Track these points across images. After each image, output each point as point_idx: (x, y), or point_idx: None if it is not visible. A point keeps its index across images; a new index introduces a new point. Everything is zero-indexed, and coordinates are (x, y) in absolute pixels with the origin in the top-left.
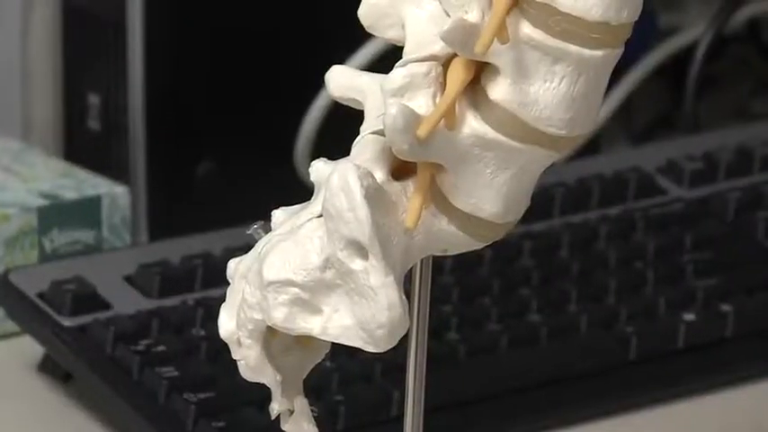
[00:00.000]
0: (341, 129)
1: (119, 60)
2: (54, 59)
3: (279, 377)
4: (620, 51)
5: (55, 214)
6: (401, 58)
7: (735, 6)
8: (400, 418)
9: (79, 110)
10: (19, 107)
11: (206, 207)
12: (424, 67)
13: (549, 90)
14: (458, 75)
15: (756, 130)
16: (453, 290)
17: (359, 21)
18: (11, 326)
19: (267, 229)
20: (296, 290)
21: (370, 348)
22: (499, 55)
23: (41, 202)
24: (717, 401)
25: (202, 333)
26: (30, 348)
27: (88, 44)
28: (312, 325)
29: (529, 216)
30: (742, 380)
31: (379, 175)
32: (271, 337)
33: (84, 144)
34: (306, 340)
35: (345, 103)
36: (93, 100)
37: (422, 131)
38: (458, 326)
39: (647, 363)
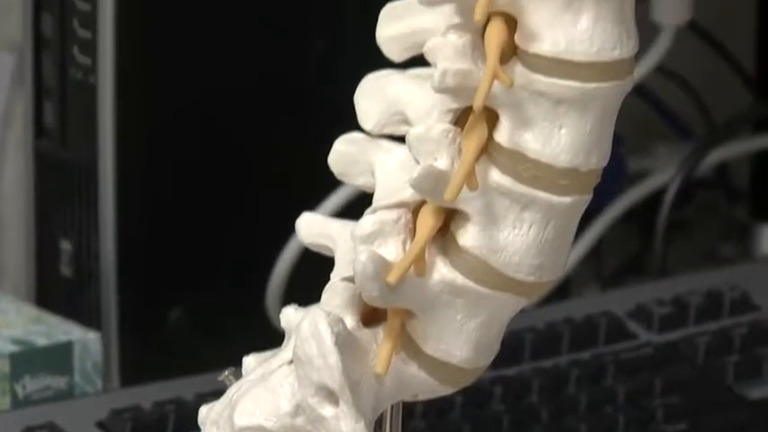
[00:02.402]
0: (311, 275)
1: (90, 207)
2: (26, 205)
3: None
4: (588, 197)
5: (27, 360)
6: (371, 204)
7: (704, 151)
8: None
9: (51, 256)
10: None
11: (178, 353)
12: (393, 213)
13: (519, 236)
14: (427, 222)
15: (726, 275)
16: None
17: (329, 167)
18: None
19: (238, 376)
20: None
21: None
22: (468, 202)
23: (13, 348)
24: None
25: None
26: None
27: (60, 190)
28: None
29: (499, 361)
30: None
31: (350, 321)
32: None
33: (56, 290)
34: None
35: (316, 249)
36: (65, 246)
37: (392, 278)
38: None
39: None
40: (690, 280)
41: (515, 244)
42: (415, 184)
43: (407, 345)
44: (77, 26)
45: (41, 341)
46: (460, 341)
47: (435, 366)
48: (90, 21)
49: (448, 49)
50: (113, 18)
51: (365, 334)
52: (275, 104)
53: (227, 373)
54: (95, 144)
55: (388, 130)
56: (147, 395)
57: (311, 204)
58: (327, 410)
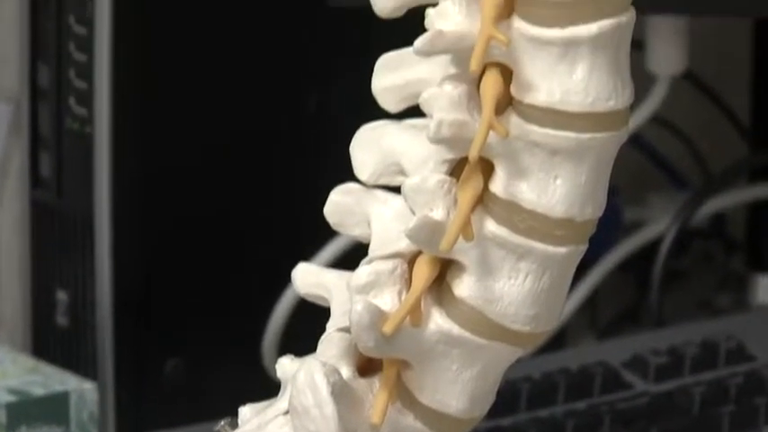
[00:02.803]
0: (307, 326)
1: (86, 257)
2: (22, 255)
3: None
4: (584, 247)
5: (23, 411)
6: (367, 255)
7: (700, 201)
8: None
9: (47, 306)
10: None
11: (174, 403)
12: (389, 264)
13: (514, 287)
14: (423, 272)
15: (721, 325)
16: None
17: (325, 218)
18: None
19: (234, 426)
20: None
21: None
22: (464, 252)
23: (10, 398)
24: None
25: None
26: None
27: (56, 240)
28: None
29: (495, 411)
30: None
31: (346, 371)
32: None
33: (53, 340)
34: None
35: (312, 300)
36: (62, 296)
37: (387, 329)
38: None
39: None
40: (685, 330)
41: (511, 294)
42: (411, 235)
43: (403, 395)
44: (74, 77)
45: (38, 391)
46: (456, 391)
47: (431, 417)
48: (86, 72)
49: (443, 100)
50: (110, 69)
51: (361, 384)
52: (271, 155)
53: (223, 423)
54: (91, 194)
55: (383, 181)
56: None
57: (307, 255)
58: None
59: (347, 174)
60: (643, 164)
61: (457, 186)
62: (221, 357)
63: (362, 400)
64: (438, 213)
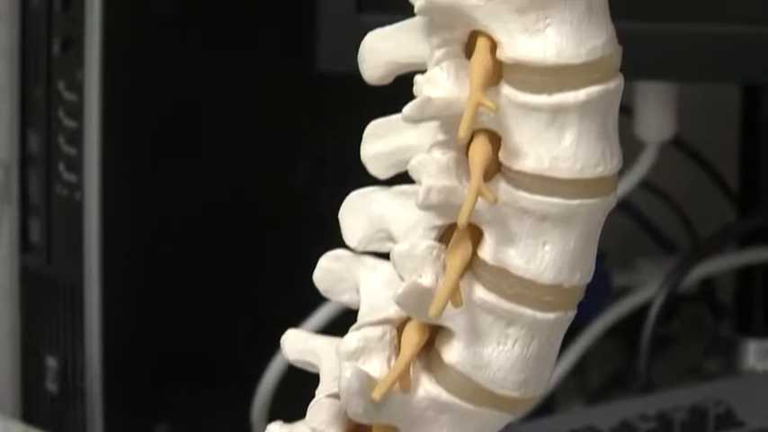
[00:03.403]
0: (297, 392)
1: (76, 323)
2: (12, 321)
3: None
4: (573, 313)
5: None
6: (356, 321)
7: (688, 267)
8: None
9: (37, 372)
10: None
11: None
12: (378, 330)
13: (503, 352)
14: (412, 338)
15: (710, 390)
16: None
17: (314, 284)
18: None
19: None
20: None
21: None
22: (453, 318)
23: None
24: None
25: None
26: None
27: (46, 306)
28: None
29: None
30: None
31: None
32: None
33: (42, 406)
34: None
35: (301, 366)
36: (51, 362)
37: (376, 395)
38: None
39: None
40: (674, 395)
41: (500, 360)
42: (400, 301)
43: None
44: (63, 143)
45: None
46: None
47: None
48: (76, 138)
49: (432, 166)
50: (99, 135)
51: None
52: (261, 222)
53: None
54: (81, 260)
55: (372, 247)
56: None
57: (296, 321)
58: None
59: (337, 240)
60: (632, 229)
61: (446, 252)
62: (210, 423)
63: None
64: (427, 279)
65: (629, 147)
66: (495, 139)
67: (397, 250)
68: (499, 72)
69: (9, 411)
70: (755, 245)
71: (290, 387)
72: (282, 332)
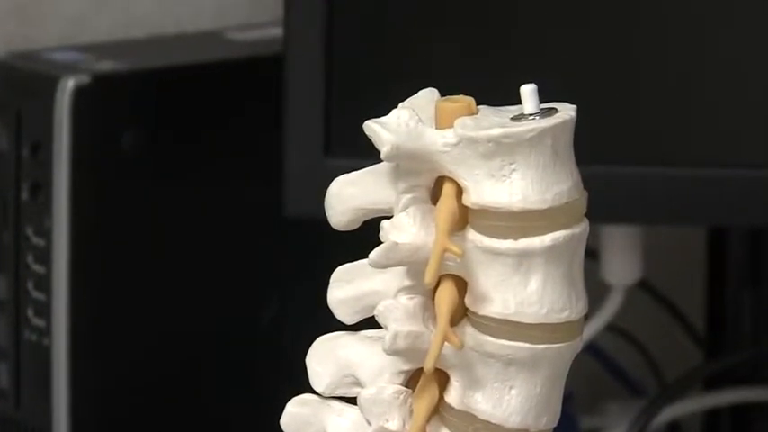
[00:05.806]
0: None
1: None
2: None
3: None
4: None
5: None
6: None
7: (655, 409)
8: None
9: None
10: None
11: None
12: None
13: None
14: None
15: None
16: None
17: (281, 429)
18: None
19: None
20: None
21: None
22: None
23: None
24: None
25: None
26: None
27: None
28: None
29: None
30: None
31: None
32: None
33: None
34: None
35: None
36: None
37: None
38: None
39: None
40: None
41: None
42: None
43: None
44: (32, 288)
45: None
46: None
47: None
48: (44, 283)
49: (399, 312)
50: (68, 281)
51: None
52: (227, 366)
53: None
54: (50, 405)
55: (339, 392)
56: None
57: None
58: None
59: (304, 385)
60: (598, 372)
61: (412, 397)
62: None
63: None
64: (394, 424)
65: (596, 290)
66: (462, 284)
67: (364, 395)
68: (465, 217)
69: None
70: (722, 387)
71: None
72: None
